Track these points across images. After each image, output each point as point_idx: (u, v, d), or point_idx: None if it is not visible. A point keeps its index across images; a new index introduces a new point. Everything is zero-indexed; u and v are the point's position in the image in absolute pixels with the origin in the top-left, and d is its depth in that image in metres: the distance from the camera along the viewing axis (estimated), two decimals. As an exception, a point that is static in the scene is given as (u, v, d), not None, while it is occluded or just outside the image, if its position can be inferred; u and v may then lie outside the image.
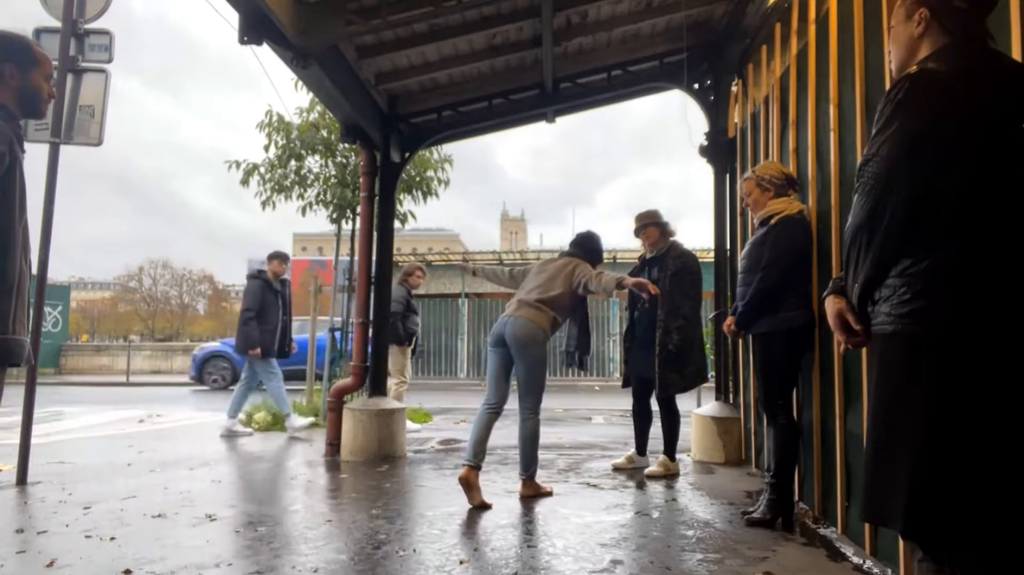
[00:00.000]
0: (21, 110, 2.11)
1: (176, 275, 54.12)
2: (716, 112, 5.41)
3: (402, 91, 5.57)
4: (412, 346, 7.25)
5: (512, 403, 3.79)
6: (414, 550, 2.77)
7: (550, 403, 8.48)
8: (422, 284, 7.26)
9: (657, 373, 4.27)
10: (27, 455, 4.10)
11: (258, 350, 6.39)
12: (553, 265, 3.97)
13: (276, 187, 7.24)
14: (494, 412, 3.75)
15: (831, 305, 1.64)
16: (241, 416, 6.84)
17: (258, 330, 6.42)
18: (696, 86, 5.52)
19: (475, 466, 3.56)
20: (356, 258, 6.03)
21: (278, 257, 6.78)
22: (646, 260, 4.55)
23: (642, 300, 4.49)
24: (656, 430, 4.61)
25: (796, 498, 3.43)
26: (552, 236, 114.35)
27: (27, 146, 2.17)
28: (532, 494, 3.74)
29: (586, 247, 4.11)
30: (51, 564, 2.56)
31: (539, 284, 3.87)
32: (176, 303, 54.29)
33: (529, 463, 3.75)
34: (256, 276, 6.68)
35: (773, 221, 3.23)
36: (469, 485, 3.52)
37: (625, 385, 4.79)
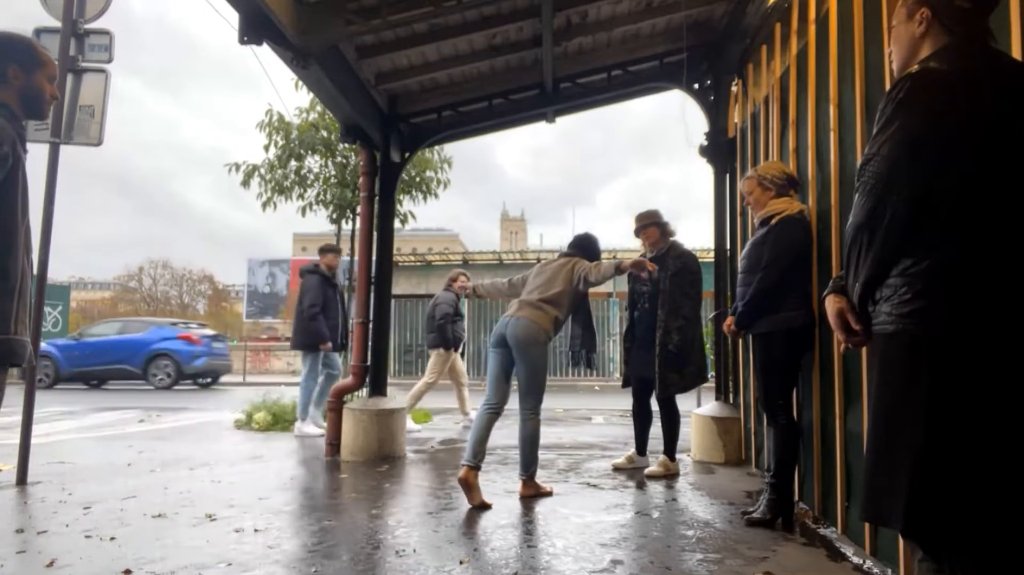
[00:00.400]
0: (24, 111, 2.11)
1: (176, 275, 54.17)
2: (716, 112, 5.41)
3: (402, 91, 5.57)
4: (460, 351, 7.30)
5: (512, 403, 3.79)
6: (414, 550, 2.77)
7: (550, 403, 8.47)
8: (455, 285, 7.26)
9: (657, 373, 4.27)
10: (27, 455, 4.10)
11: (328, 344, 6.35)
12: (552, 266, 3.98)
13: (276, 188, 7.25)
14: (494, 413, 3.75)
15: (831, 304, 1.64)
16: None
17: (325, 325, 6.38)
18: (696, 86, 5.52)
19: (474, 466, 3.56)
20: (356, 258, 6.03)
21: (331, 250, 6.73)
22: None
23: (643, 299, 4.49)
24: (656, 430, 4.61)
25: (796, 498, 3.43)
26: (552, 236, 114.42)
27: (28, 146, 2.17)
28: (532, 494, 3.74)
29: (584, 247, 4.13)
30: (51, 564, 2.56)
31: (539, 285, 3.89)
32: (176, 303, 54.27)
33: (529, 464, 3.75)
34: (313, 271, 6.57)
35: (774, 221, 3.23)
36: (469, 486, 3.52)
37: (625, 385, 4.79)
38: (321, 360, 6.47)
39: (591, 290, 4.01)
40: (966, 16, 1.51)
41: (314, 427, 6.41)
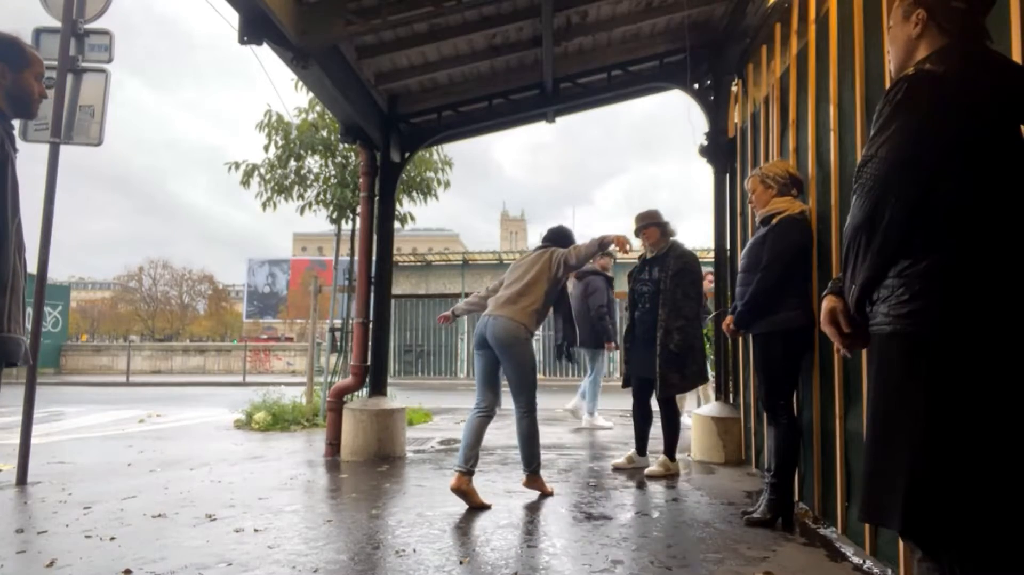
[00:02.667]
0: (12, 110, 2.11)
1: (176, 275, 54.22)
2: (716, 112, 5.40)
3: (402, 91, 5.57)
4: None
5: (509, 404, 3.78)
6: (414, 550, 2.77)
7: (550, 403, 8.48)
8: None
9: (658, 373, 4.27)
10: (27, 455, 4.10)
11: (613, 343, 6.71)
12: (526, 259, 3.93)
13: (276, 187, 7.24)
14: (485, 416, 3.70)
15: (826, 304, 1.64)
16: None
17: (611, 325, 6.74)
18: (696, 86, 5.51)
19: (466, 472, 3.51)
20: (356, 258, 6.03)
21: (606, 253, 7.02)
22: (647, 260, 4.55)
23: (643, 299, 4.49)
24: (656, 430, 4.61)
25: (796, 498, 3.43)
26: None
27: (27, 146, 2.17)
28: (534, 488, 3.74)
29: (557, 238, 4.07)
30: (51, 564, 2.56)
31: (515, 279, 3.84)
32: (176, 303, 54.31)
33: (531, 460, 3.73)
34: (598, 273, 6.83)
35: (774, 221, 3.23)
36: (463, 493, 3.48)
37: (625, 385, 4.78)
38: (597, 358, 6.84)
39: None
40: (961, 17, 1.51)
41: (602, 420, 6.82)
